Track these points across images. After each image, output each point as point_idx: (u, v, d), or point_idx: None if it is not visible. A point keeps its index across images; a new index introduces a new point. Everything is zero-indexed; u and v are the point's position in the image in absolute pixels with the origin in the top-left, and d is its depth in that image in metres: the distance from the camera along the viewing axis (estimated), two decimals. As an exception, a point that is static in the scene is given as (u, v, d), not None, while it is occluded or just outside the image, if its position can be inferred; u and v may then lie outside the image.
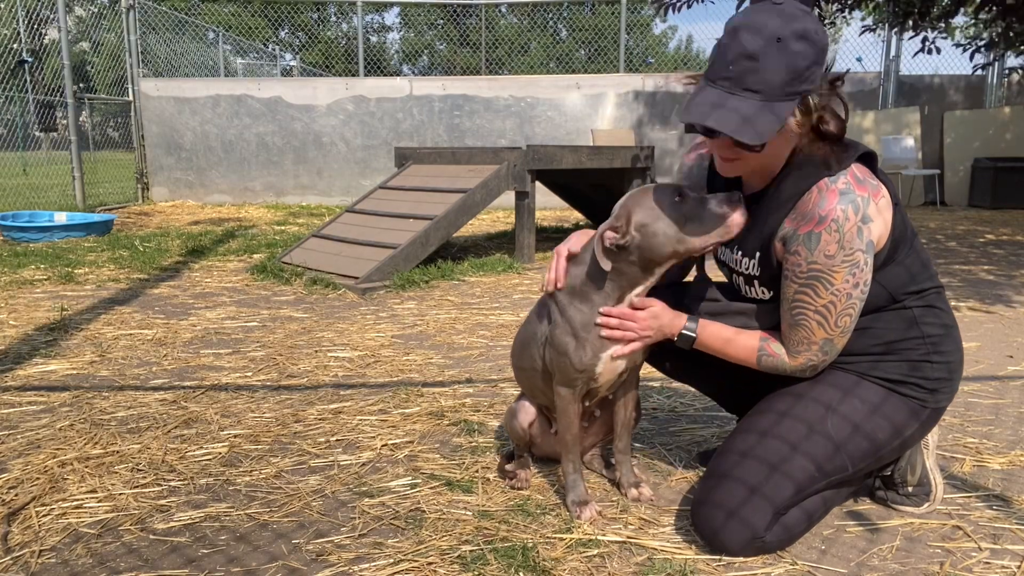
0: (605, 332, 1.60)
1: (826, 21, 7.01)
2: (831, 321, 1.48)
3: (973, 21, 7.69)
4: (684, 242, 1.54)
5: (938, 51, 7.45)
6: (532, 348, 1.75)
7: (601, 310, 1.60)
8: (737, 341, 1.59)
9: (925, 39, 7.48)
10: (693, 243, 1.54)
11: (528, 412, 1.85)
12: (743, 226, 1.52)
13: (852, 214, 1.42)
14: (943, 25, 7.42)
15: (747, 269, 1.61)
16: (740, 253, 1.62)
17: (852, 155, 1.48)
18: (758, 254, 1.57)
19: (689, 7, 6.69)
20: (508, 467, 1.88)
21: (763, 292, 1.61)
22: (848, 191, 1.44)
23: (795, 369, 1.56)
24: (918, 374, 1.56)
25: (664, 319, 1.62)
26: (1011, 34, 7.36)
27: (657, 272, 1.60)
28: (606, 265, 1.55)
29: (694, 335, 1.61)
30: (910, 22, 7.01)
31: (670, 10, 6.60)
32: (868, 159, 1.51)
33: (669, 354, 1.79)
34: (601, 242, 1.55)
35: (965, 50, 8.02)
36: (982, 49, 7.76)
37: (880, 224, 1.47)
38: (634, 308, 1.62)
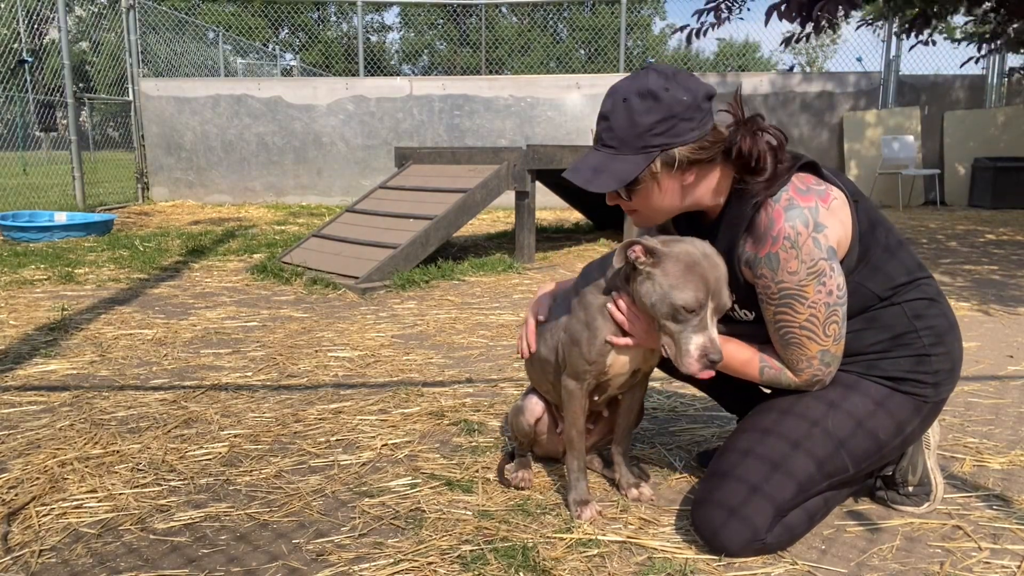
0: (613, 312, 1.58)
1: (836, 24, 6.99)
2: (819, 333, 1.49)
3: (972, 19, 7.67)
4: (657, 318, 1.51)
5: (933, 43, 7.42)
6: (546, 337, 1.75)
7: (614, 294, 1.59)
8: (740, 353, 1.58)
9: (919, 34, 7.47)
10: (664, 336, 1.51)
11: (534, 410, 1.85)
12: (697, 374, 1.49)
13: (802, 227, 1.43)
14: (942, 24, 7.42)
15: None
16: None
17: (791, 169, 1.48)
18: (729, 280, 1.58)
19: (715, 29, 6.63)
20: (508, 467, 1.88)
21: (745, 314, 1.62)
22: (792, 205, 1.45)
23: (800, 385, 1.56)
24: (921, 368, 1.56)
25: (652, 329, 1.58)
26: (1010, 33, 7.36)
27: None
28: (618, 262, 1.52)
29: None
30: (907, 24, 7.01)
31: (696, 36, 6.54)
32: (810, 167, 1.51)
33: None
34: (625, 248, 1.51)
35: (959, 44, 8.01)
36: (984, 43, 7.75)
37: (837, 227, 1.47)
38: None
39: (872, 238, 1.54)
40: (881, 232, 1.56)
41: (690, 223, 1.69)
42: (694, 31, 6.52)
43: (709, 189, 1.54)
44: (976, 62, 8.43)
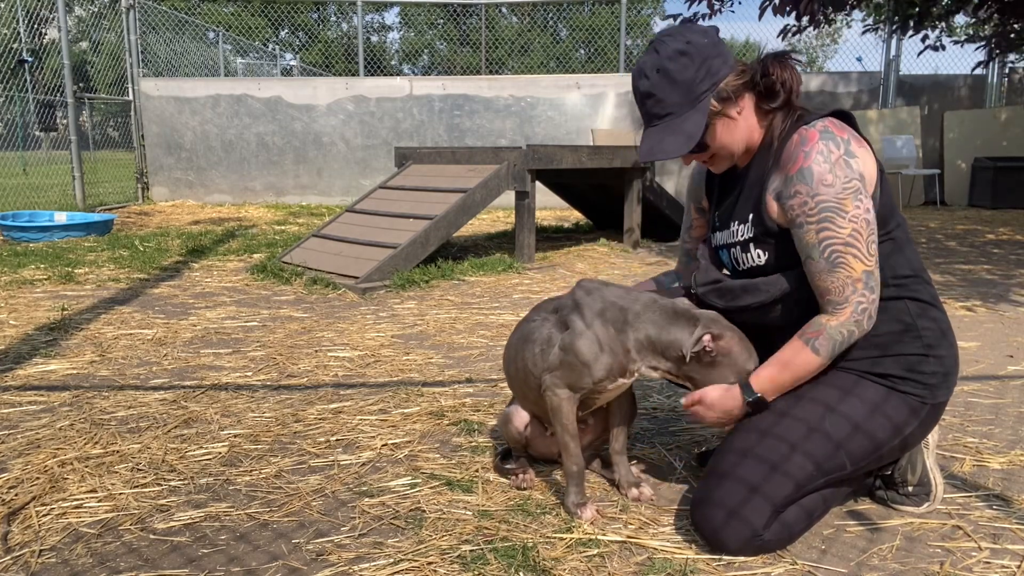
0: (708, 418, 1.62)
1: (830, 21, 7.00)
2: (864, 250, 1.47)
3: (973, 20, 7.69)
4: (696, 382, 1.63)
5: (943, 48, 7.44)
6: (528, 351, 1.75)
7: (683, 402, 1.64)
8: (793, 360, 1.54)
9: (926, 37, 7.48)
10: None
11: (522, 416, 1.85)
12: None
13: (835, 148, 1.47)
14: (943, 24, 7.43)
15: (742, 235, 1.64)
16: (736, 223, 1.66)
17: (826, 111, 1.56)
18: (751, 215, 1.60)
19: (706, 20, 6.66)
20: (510, 466, 1.88)
21: (759, 255, 1.62)
22: (827, 131, 1.49)
23: (847, 323, 1.48)
24: (916, 371, 1.56)
25: (724, 403, 1.58)
26: (1011, 35, 7.37)
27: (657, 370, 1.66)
28: (694, 350, 1.57)
29: (758, 394, 1.57)
30: (911, 23, 7.02)
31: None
32: (844, 117, 1.57)
33: None
34: (700, 340, 1.56)
35: (963, 45, 8.04)
36: (983, 46, 7.77)
37: (868, 161, 1.50)
38: (689, 404, 1.63)
39: (891, 211, 1.56)
40: (897, 213, 1.59)
41: (723, 177, 1.76)
42: (685, 20, 6.53)
43: (752, 119, 1.61)
44: (984, 67, 8.45)
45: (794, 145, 1.51)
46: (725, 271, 1.77)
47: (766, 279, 1.61)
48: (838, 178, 1.45)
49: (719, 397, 1.59)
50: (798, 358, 1.53)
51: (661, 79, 1.55)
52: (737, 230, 1.65)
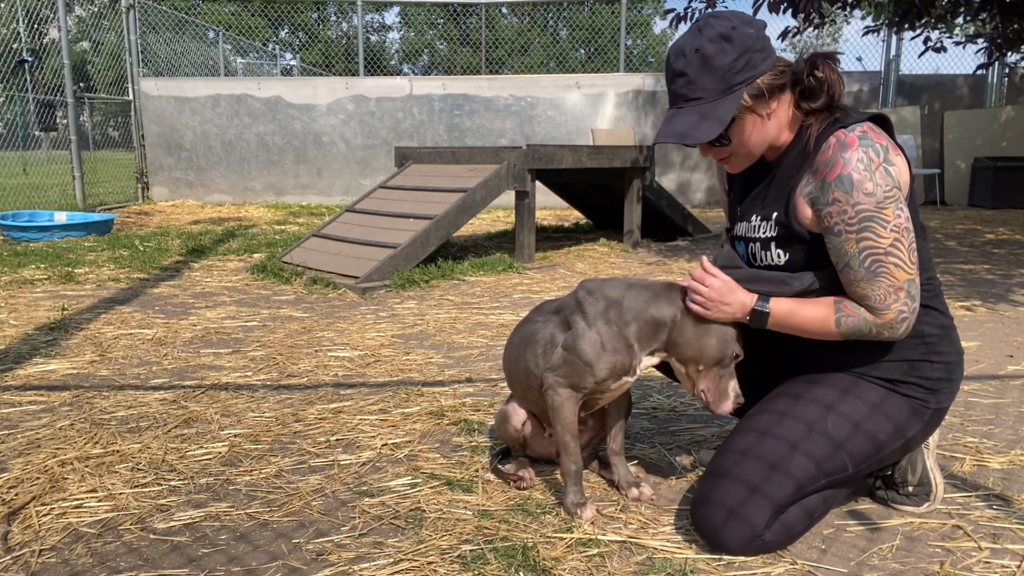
0: (699, 287, 1.57)
1: (826, 19, 7.01)
2: (906, 259, 1.45)
3: (971, 21, 7.70)
4: (700, 363, 1.59)
5: (944, 49, 7.43)
6: (530, 351, 1.75)
7: (700, 269, 1.58)
8: (810, 308, 1.53)
9: (928, 39, 7.49)
10: (703, 367, 1.60)
11: (519, 415, 1.86)
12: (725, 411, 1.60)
13: (875, 156, 1.44)
14: (943, 25, 7.44)
15: (764, 232, 1.60)
16: (759, 219, 1.62)
17: (865, 115, 1.53)
18: (775, 214, 1.57)
19: (706, 10, 6.67)
20: (508, 468, 1.88)
21: (778, 255, 1.59)
22: (866, 138, 1.46)
23: (884, 326, 1.48)
24: (917, 373, 1.56)
25: (739, 295, 1.56)
26: (1010, 35, 7.37)
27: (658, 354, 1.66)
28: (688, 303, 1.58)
29: (767, 310, 1.55)
30: (907, 24, 7.02)
31: (681, 22, 6.56)
32: (881, 122, 1.54)
33: None
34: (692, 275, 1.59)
35: (964, 47, 8.04)
36: (982, 45, 7.77)
37: (904, 170, 1.49)
38: (707, 272, 1.57)
39: (915, 219, 1.54)
40: (919, 221, 1.57)
41: (750, 167, 1.70)
42: (679, 16, 6.54)
43: (783, 119, 1.58)
44: (986, 69, 8.43)
45: (832, 149, 1.47)
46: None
47: (792, 275, 1.58)
48: (879, 186, 1.43)
49: (734, 286, 1.56)
50: (818, 314, 1.52)
51: (698, 60, 1.50)
52: (759, 226, 1.62)
